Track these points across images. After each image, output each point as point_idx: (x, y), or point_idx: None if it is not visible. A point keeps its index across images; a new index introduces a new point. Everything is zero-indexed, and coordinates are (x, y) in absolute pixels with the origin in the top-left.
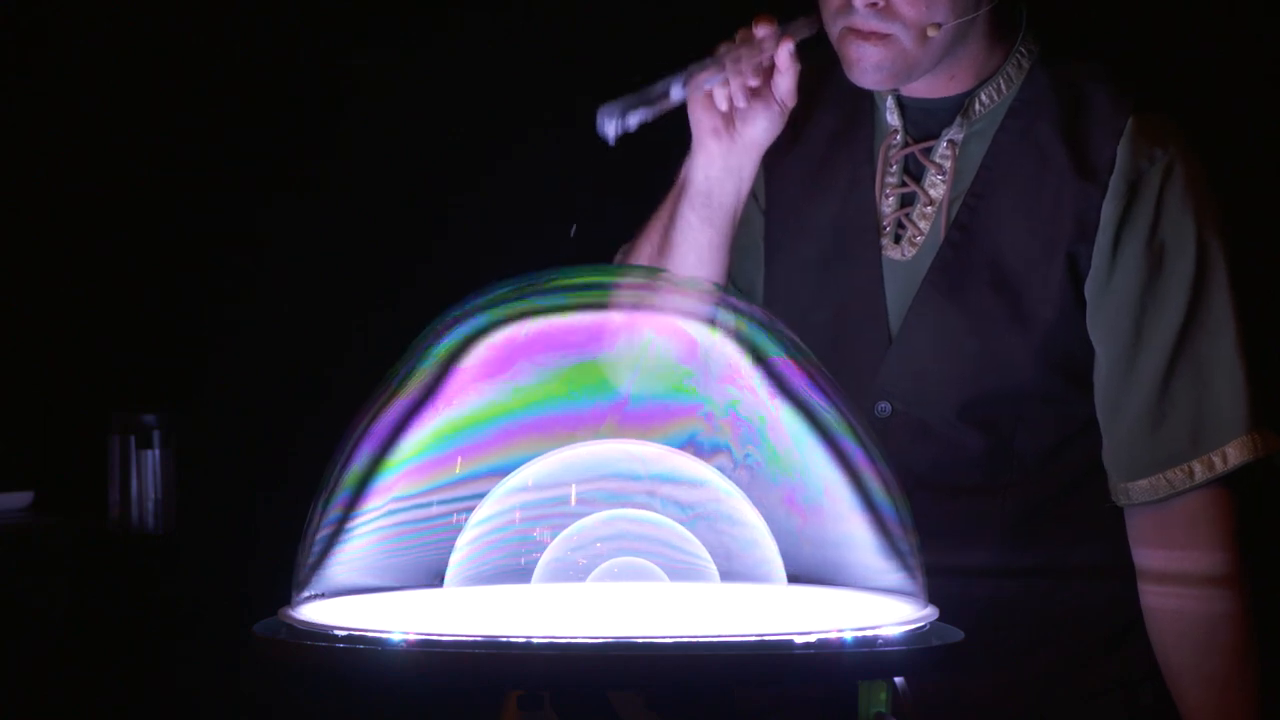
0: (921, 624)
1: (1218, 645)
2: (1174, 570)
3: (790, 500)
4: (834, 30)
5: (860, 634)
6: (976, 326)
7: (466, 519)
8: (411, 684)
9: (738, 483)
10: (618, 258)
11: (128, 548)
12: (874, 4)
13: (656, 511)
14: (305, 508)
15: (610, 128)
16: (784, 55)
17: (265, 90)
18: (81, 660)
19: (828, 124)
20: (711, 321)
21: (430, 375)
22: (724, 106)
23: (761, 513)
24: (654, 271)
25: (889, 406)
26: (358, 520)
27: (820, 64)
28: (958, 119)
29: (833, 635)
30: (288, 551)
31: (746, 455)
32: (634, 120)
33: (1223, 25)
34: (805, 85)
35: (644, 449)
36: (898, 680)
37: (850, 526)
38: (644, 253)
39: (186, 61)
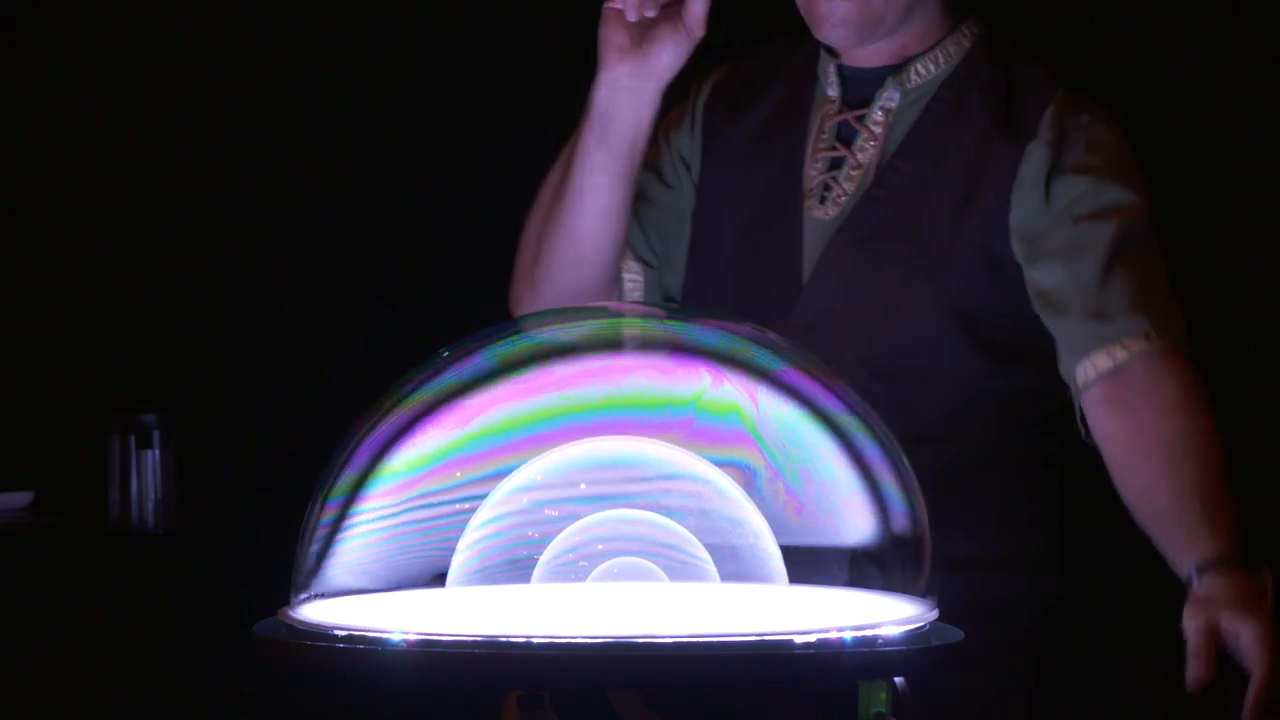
0: (921, 624)
1: (1191, 456)
2: (1139, 423)
3: (799, 500)
4: None
5: (860, 634)
6: (884, 276)
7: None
8: (411, 684)
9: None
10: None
11: (128, 548)
12: None
13: (657, 511)
14: (305, 508)
15: None
16: None
17: (265, 90)
18: (81, 660)
19: (773, 102)
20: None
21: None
22: (632, 17)
23: (773, 514)
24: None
25: None
26: (358, 520)
27: (774, 49)
28: (892, 86)
29: (833, 635)
30: (288, 551)
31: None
32: None
33: (1169, 25)
34: (758, 66)
35: (645, 447)
36: (898, 680)
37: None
38: (550, 182)
39: (186, 61)
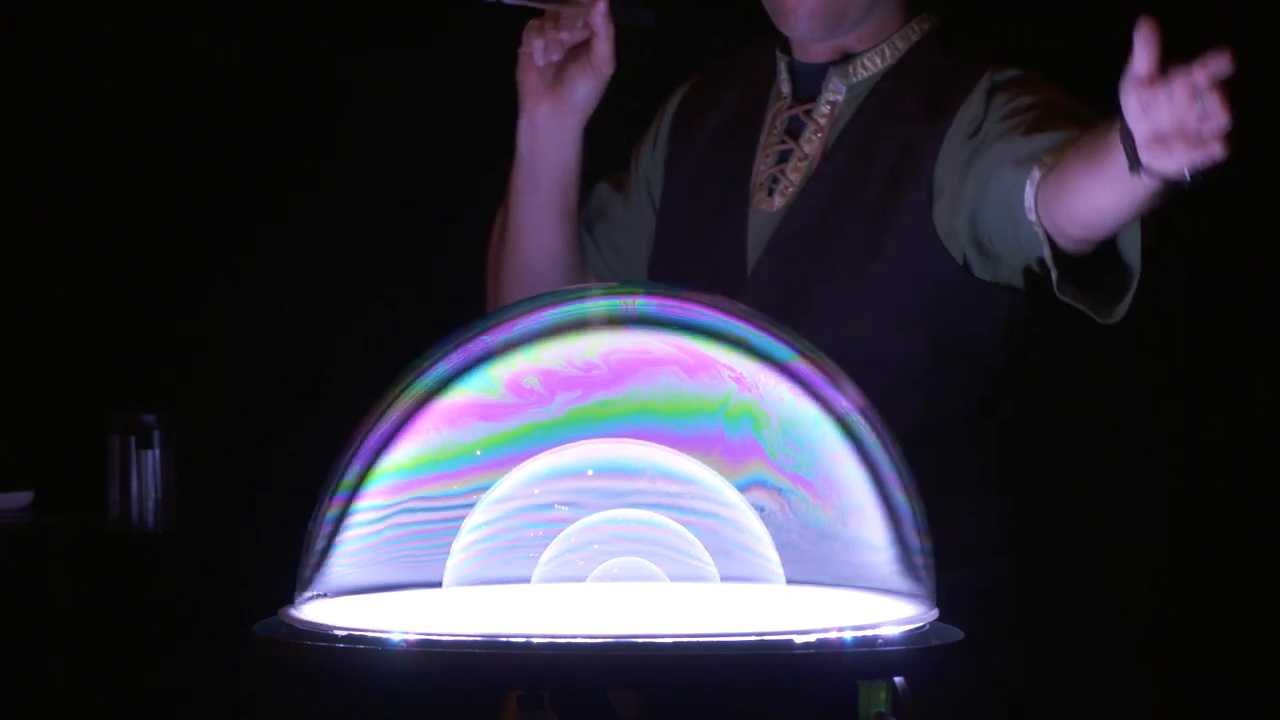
0: (921, 624)
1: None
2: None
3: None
4: None
5: (860, 634)
6: (820, 267)
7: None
8: (411, 684)
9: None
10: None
11: (128, 548)
12: None
13: (657, 511)
14: (305, 508)
15: None
16: (597, 18)
17: (265, 90)
18: (81, 660)
19: (731, 104)
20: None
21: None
22: (540, 61)
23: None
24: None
25: None
26: (359, 520)
27: (742, 55)
28: (837, 78)
29: (832, 635)
30: (288, 551)
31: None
32: None
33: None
34: (721, 74)
35: (645, 448)
36: (898, 680)
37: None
38: (496, 223)
39: (186, 61)
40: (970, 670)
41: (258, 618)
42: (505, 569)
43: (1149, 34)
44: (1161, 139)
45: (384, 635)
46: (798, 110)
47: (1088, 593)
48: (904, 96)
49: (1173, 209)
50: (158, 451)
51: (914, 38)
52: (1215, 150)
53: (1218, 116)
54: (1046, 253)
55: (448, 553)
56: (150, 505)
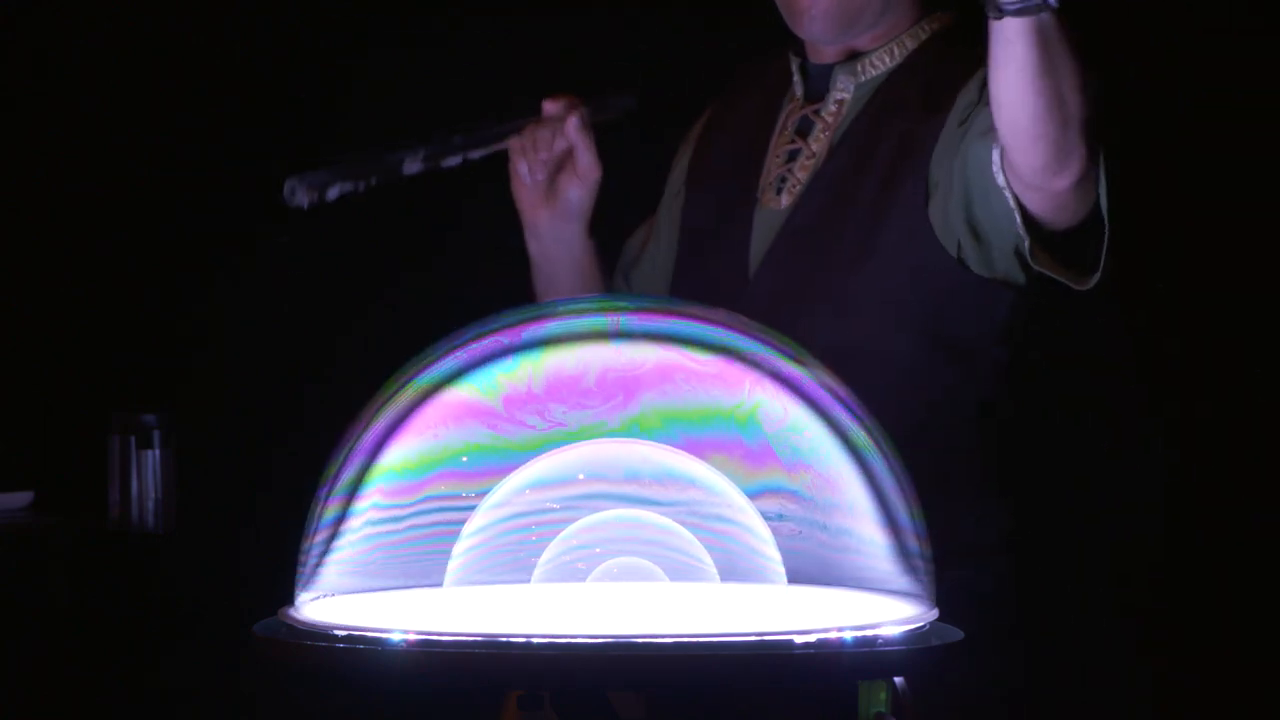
0: (921, 624)
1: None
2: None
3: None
4: None
5: (860, 634)
6: (820, 264)
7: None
8: (411, 684)
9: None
10: None
11: (128, 548)
12: None
13: (657, 512)
14: (305, 508)
15: (303, 197)
16: (572, 131)
17: (265, 90)
18: (81, 660)
19: (748, 111)
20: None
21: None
22: (527, 181)
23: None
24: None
25: None
26: (358, 520)
27: (756, 65)
28: (845, 77)
29: (833, 635)
30: (288, 551)
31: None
32: (334, 193)
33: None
34: (739, 84)
35: (645, 448)
36: (898, 680)
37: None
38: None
39: (186, 61)
40: (970, 670)
41: (258, 618)
42: (505, 569)
43: None
44: None
45: (384, 635)
46: (808, 110)
47: (1088, 589)
48: (907, 94)
49: (1173, 207)
50: (158, 451)
51: (923, 37)
52: None
53: None
54: (1017, 219)
55: (447, 555)
56: (150, 505)
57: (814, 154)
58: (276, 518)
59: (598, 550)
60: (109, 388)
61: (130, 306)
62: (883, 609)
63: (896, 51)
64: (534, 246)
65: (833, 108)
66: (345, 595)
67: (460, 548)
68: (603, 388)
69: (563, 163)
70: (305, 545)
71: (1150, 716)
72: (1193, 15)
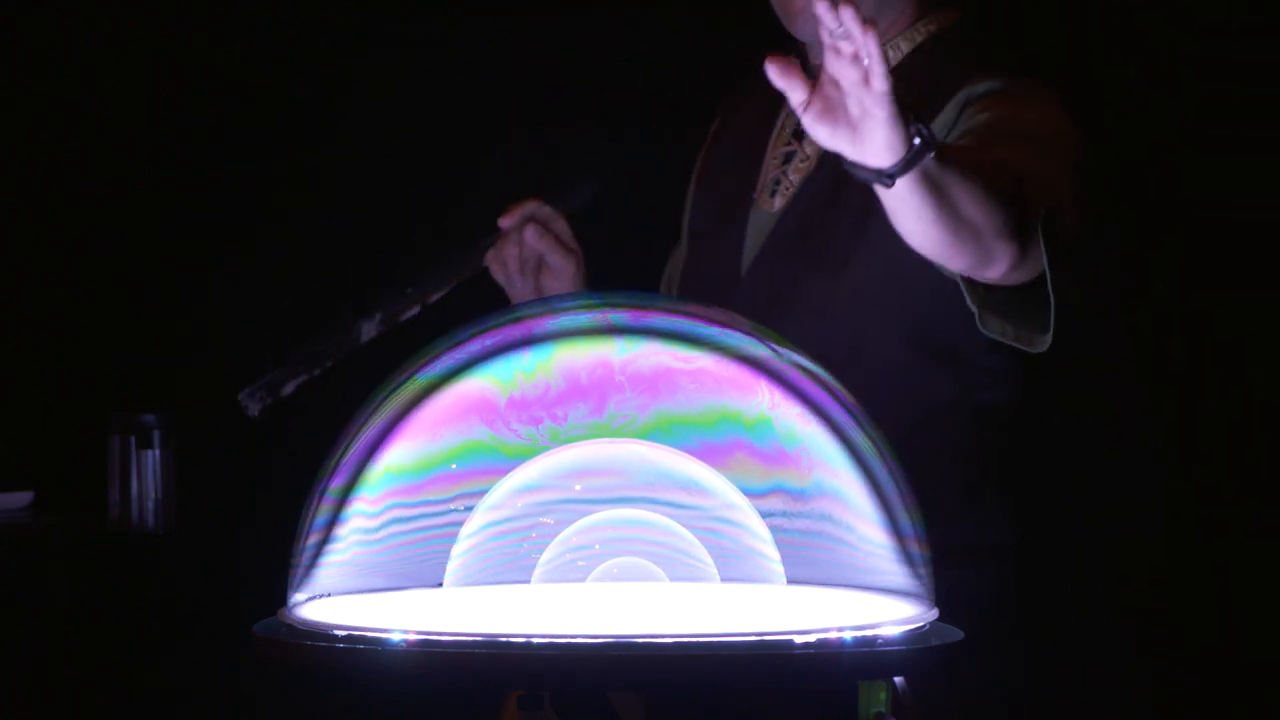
0: (921, 624)
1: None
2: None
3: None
4: None
5: (860, 634)
6: (807, 268)
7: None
8: (411, 684)
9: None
10: None
11: (128, 548)
12: None
13: (656, 512)
14: (305, 508)
15: (254, 407)
16: (532, 242)
17: (265, 90)
18: (81, 660)
19: (751, 114)
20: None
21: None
22: (513, 291)
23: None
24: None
25: None
26: (357, 520)
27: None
28: None
29: (832, 635)
30: (288, 551)
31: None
32: (290, 388)
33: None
34: (747, 87)
35: (646, 449)
36: (898, 680)
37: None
38: None
39: (186, 61)
40: (970, 670)
41: (258, 618)
42: (505, 570)
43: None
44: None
45: (384, 635)
46: None
47: (1088, 589)
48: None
49: (1173, 207)
50: (158, 451)
51: (918, 39)
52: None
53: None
54: (963, 288)
55: (446, 556)
56: (150, 505)
57: (808, 156)
58: (276, 518)
59: (598, 550)
60: (109, 388)
61: (130, 306)
62: (883, 609)
63: (891, 55)
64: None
65: None
66: (345, 595)
67: (460, 548)
68: (599, 387)
69: (539, 263)
70: (301, 546)
71: (1150, 716)
72: (1193, 15)
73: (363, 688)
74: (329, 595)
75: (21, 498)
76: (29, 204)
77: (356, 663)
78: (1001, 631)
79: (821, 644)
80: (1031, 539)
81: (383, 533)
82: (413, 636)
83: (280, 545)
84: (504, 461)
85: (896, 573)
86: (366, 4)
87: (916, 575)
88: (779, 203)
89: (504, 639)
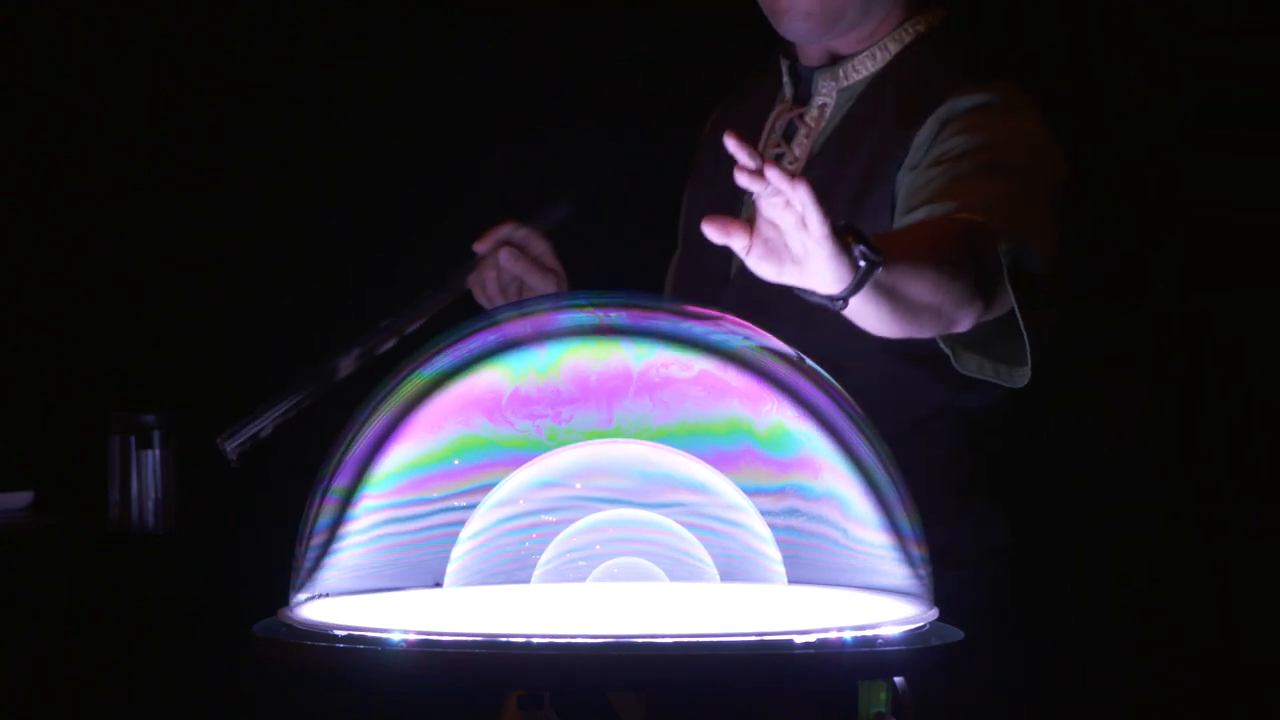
0: (921, 624)
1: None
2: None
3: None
4: None
5: (860, 634)
6: None
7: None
8: (411, 684)
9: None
10: None
11: (128, 548)
12: None
13: (656, 512)
14: (304, 508)
15: (233, 453)
16: (508, 265)
17: (265, 90)
18: (81, 660)
19: (745, 113)
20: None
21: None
22: (494, 303)
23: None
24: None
25: None
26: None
27: (765, 64)
28: (826, 81)
29: (832, 635)
30: (288, 551)
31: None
32: (268, 430)
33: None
34: (743, 87)
35: (647, 449)
36: (898, 680)
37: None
38: None
39: (186, 61)
40: (970, 670)
41: (258, 618)
42: (505, 570)
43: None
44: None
45: (384, 635)
46: (794, 114)
47: (1088, 589)
48: (883, 103)
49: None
50: (158, 451)
51: (906, 39)
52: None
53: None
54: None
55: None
56: (150, 505)
57: (796, 159)
58: (276, 518)
59: (598, 550)
60: (109, 388)
61: (130, 306)
62: (883, 609)
63: (879, 56)
64: None
65: (815, 113)
66: (345, 596)
67: (460, 549)
68: (598, 388)
69: (520, 285)
70: (303, 547)
71: (1150, 716)
72: (1193, 15)
73: (363, 688)
74: (327, 595)
75: (21, 498)
76: (29, 204)
77: (356, 663)
78: (1001, 631)
79: (821, 644)
80: (1031, 539)
81: (379, 531)
82: (413, 636)
83: (280, 545)
84: (502, 459)
85: (896, 573)
86: (366, 4)
87: (916, 576)
88: None
89: (504, 639)
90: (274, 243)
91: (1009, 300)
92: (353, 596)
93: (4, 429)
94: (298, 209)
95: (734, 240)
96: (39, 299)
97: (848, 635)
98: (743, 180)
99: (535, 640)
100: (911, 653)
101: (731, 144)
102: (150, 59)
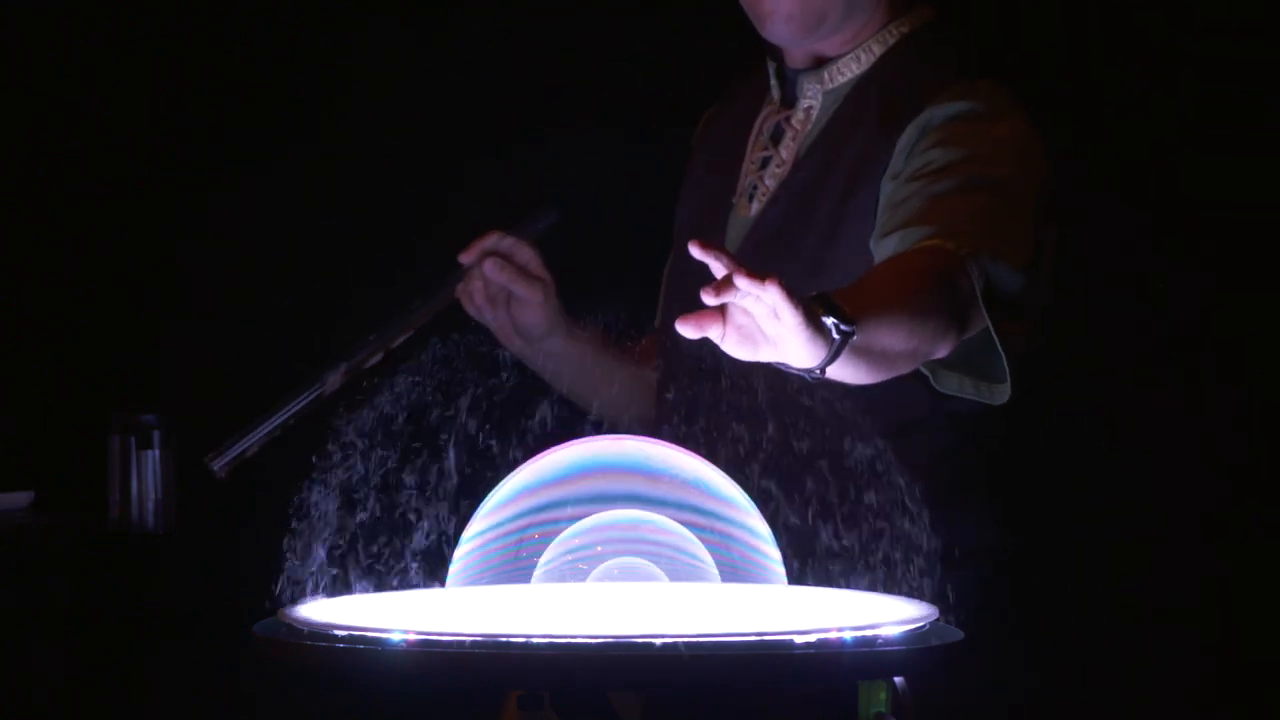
0: (921, 624)
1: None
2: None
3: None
4: None
5: (860, 634)
6: (789, 271)
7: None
8: (411, 684)
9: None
10: None
11: (128, 548)
12: None
13: (657, 511)
14: (304, 508)
15: (222, 470)
16: (494, 275)
17: (265, 90)
18: (81, 660)
19: (735, 114)
20: None
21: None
22: (488, 317)
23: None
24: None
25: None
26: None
27: (757, 66)
28: (811, 84)
29: (832, 635)
30: (287, 552)
31: None
32: (254, 450)
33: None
34: (734, 90)
35: (646, 448)
36: (898, 680)
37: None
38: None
39: (186, 61)
40: (970, 670)
41: (258, 618)
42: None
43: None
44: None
45: (384, 635)
46: (781, 116)
47: (1088, 589)
48: (868, 105)
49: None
50: (158, 451)
51: (890, 41)
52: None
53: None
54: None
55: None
56: (150, 505)
57: (784, 161)
58: (276, 518)
59: (598, 550)
60: (109, 388)
61: (130, 306)
62: (883, 609)
63: (863, 58)
64: (537, 367)
65: (801, 115)
66: (345, 596)
67: (461, 550)
68: None
69: (508, 294)
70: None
71: (1150, 716)
72: (1193, 15)
73: (363, 688)
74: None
75: (21, 498)
76: (29, 204)
77: (356, 663)
78: (1001, 631)
79: (821, 644)
80: (1031, 539)
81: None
82: (413, 636)
83: (280, 545)
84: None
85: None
86: (366, 4)
87: (917, 575)
88: (755, 209)
89: (504, 639)
90: (274, 243)
91: (984, 320)
92: (352, 597)
93: (4, 429)
94: (298, 209)
95: (709, 331)
96: (39, 299)
97: (848, 635)
98: (708, 299)
99: (535, 640)
100: (911, 653)
101: (698, 251)
102: (150, 59)
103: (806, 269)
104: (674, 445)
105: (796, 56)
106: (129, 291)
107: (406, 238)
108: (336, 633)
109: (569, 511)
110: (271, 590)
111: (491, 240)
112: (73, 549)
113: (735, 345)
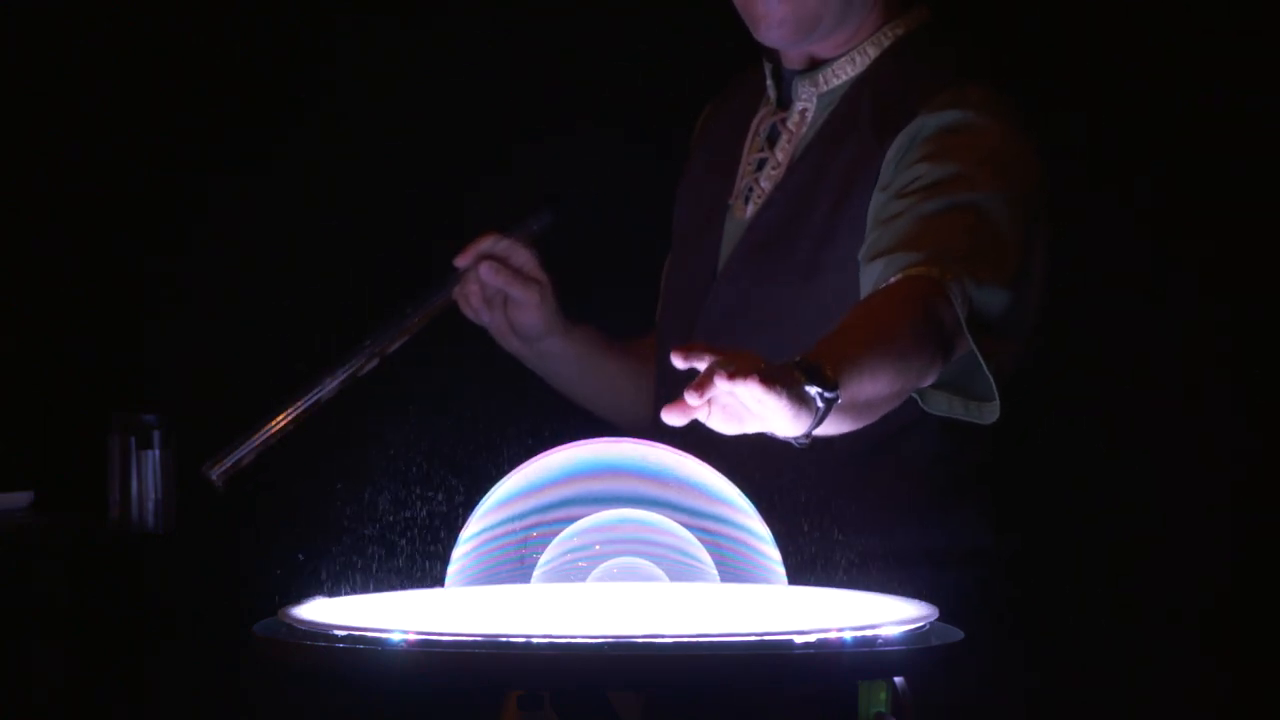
0: (921, 624)
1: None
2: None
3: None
4: None
5: (860, 634)
6: (773, 277)
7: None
8: (411, 684)
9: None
10: None
11: (128, 548)
12: None
13: (657, 512)
14: (305, 509)
15: (218, 480)
16: (489, 278)
17: (265, 89)
18: (81, 660)
19: (733, 113)
20: None
21: None
22: (486, 327)
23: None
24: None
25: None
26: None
27: (754, 67)
28: (806, 86)
29: (832, 635)
30: (288, 551)
31: None
32: (249, 459)
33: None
34: (731, 89)
35: (646, 449)
36: (898, 680)
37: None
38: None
39: (186, 61)
40: (970, 670)
41: (258, 618)
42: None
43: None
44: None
45: (384, 635)
46: (778, 118)
47: (1088, 589)
48: (862, 109)
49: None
50: (158, 451)
51: (885, 43)
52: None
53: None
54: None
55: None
56: (150, 505)
57: (779, 164)
58: (276, 518)
59: (598, 550)
60: (109, 388)
61: (130, 306)
62: (883, 609)
63: (858, 60)
64: (535, 367)
65: (796, 118)
66: (345, 596)
67: (460, 550)
68: None
69: (505, 297)
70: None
71: (1150, 716)
72: (1192, 15)
73: (363, 688)
74: (324, 595)
75: (21, 498)
76: (29, 204)
77: (356, 663)
78: (1001, 631)
79: (821, 644)
80: (1030, 540)
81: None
82: (413, 636)
83: (280, 545)
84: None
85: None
86: (367, 3)
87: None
88: (750, 211)
89: (504, 639)
90: (274, 243)
91: (969, 344)
92: (352, 597)
93: (4, 429)
94: (297, 209)
95: (694, 415)
96: (39, 299)
97: (848, 635)
98: (691, 399)
99: (535, 640)
100: (911, 653)
101: (680, 362)
102: (150, 59)
103: (801, 272)
104: (673, 446)
105: (792, 58)
106: (129, 291)
107: (407, 237)
108: (336, 633)
109: (569, 512)
110: (271, 590)
111: (487, 243)
112: (73, 549)
113: (721, 423)
